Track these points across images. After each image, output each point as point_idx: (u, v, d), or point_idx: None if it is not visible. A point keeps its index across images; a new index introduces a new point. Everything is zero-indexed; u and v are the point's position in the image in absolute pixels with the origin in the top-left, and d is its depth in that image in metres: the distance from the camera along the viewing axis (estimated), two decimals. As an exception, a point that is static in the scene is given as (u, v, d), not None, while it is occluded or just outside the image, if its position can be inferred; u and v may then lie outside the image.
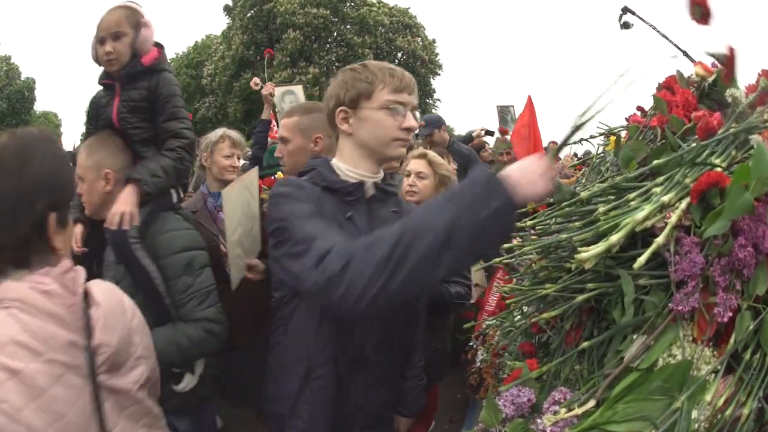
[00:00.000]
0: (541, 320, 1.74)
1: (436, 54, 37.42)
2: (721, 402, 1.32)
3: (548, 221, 1.77)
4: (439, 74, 37.82)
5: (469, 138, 7.93)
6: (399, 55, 35.72)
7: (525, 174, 1.56)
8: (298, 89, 6.95)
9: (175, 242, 2.58)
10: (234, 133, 4.40)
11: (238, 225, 2.98)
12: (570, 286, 1.63)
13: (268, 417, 2.30)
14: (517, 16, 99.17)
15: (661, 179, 1.57)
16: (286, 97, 6.53)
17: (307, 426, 2.12)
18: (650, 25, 2.01)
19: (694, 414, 1.31)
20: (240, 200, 3.02)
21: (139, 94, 2.73)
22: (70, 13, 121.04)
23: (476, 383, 2.96)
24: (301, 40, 32.84)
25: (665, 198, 1.47)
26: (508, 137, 7.18)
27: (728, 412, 1.31)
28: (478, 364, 2.81)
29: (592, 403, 1.41)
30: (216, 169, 4.17)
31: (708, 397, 1.31)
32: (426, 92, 37.14)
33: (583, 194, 1.69)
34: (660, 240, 1.41)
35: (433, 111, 36.50)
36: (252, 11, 34.50)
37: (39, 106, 43.49)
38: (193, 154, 2.98)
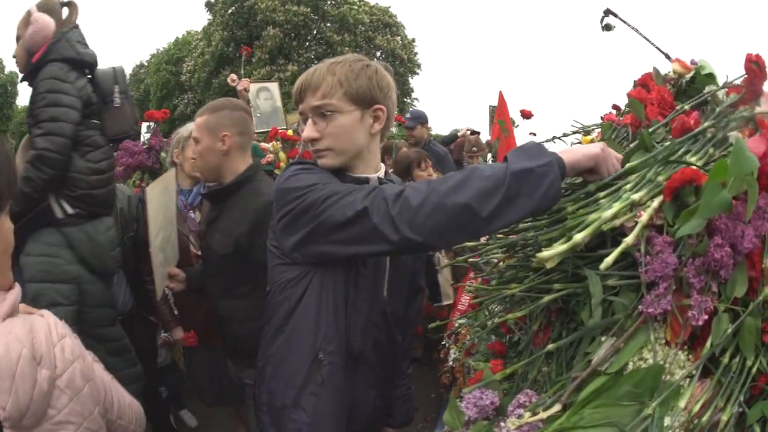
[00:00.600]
0: (510, 320, 1.68)
1: (415, 53, 37.36)
2: (697, 407, 1.25)
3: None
4: (418, 73, 37.73)
5: (452, 138, 7.89)
6: (378, 53, 35.64)
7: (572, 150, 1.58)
8: (274, 86, 6.79)
9: (27, 269, 2.47)
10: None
11: (160, 229, 2.87)
12: (536, 286, 1.55)
13: (263, 411, 2.14)
14: (496, 16, 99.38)
15: (633, 177, 1.50)
16: (261, 93, 6.41)
17: (312, 419, 1.99)
18: (632, 27, 1.97)
19: (667, 421, 1.23)
20: (161, 201, 2.90)
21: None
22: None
23: (449, 382, 2.91)
24: (281, 38, 32.58)
25: (635, 196, 1.40)
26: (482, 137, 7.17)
27: (705, 417, 1.24)
28: (450, 362, 2.77)
29: (557, 407, 1.34)
30: (188, 165, 3.96)
31: (682, 403, 1.24)
32: (404, 91, 37.04)
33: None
34: (629, 240, 1.34)
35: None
36: (233, 8, 34.24)
37: (21, 101, 42.92)
38: (44, 167, 2.79)
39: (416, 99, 38.34)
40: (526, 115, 6.95)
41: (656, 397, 1.25)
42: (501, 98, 6.31)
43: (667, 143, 1.57)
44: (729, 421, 1.25)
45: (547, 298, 1.50)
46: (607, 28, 1.93)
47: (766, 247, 1.35)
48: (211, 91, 33.35)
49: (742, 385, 1.28)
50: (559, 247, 1.36)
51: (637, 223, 1.36)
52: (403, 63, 36.13)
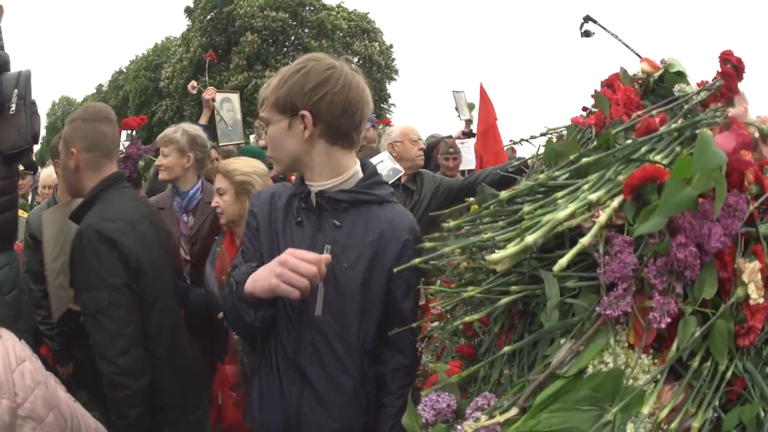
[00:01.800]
0: (475, 323, 1.64)
1: (393, 59, 37.36)
2: (664, 413, 1.18)
3: (474, 221, 1.63)
4: (395, 79, 37.75)
5: (433, 145, 7.79)
6: (356, 60, 35.61)
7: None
8: (235, 97, 6.59)
9: None
10: (192, 129, 4.13)
11: (61, 253, 2.72)
12: (494, 288, 1.47)
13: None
14: (474, 22, 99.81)
15: (592, 177, 1.42)
16: (224, 104, 6.21)
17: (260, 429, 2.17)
18: (612, 34, 1.95)
19: (630, 428, 1.15)
20: (59, 225, 2.75)
21: None
22: (36, 14, 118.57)
23: (422, 385, 2.87)
24: (259, 44, 32.42)
25: (593, 196, 1.33)
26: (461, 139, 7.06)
27: (674, 424, 1.16)
28: (422, 366, 2.72)
29: (514, 410, 1.26)
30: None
31: (645, 410, 1.16)
32: (381, 97, 37.02)
33: (504, 194, 1.55)
34: (585, 240, 1.27)
35: (389, 116, 36.45)
36: (212, 13, 34.04)
37: None
38: None
39: (393, 105, 38.36)
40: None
41: (617, 402, 1.17)
42: (483, 92, 6.11)
43: (629, 141, 1.50)
44: (702, 428, 1.18)
45: (503, 300, 1.42)
46: (587, 34, 1.92)
47: (739, 247, 1.29)
48: (189, 97, 33.10)
49: (716, 390, 1.22)
50: (510, 250, 1.30)
51: (595, 223, 1.29)
52: (381, 69, 36.12)
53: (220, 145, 5.28)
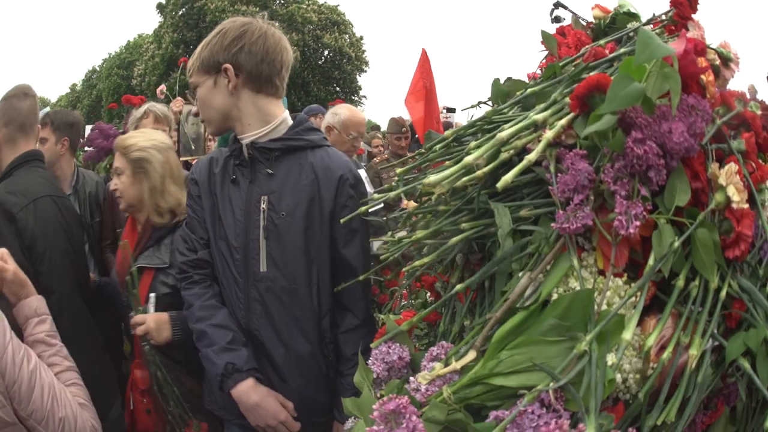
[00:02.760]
0: (437, 285, 1.53)
1: (363, 51, 37.13)
2: (652, 339, 1.01)
3: (419, 166, 1.52)
4: (366, 71, 37.49)
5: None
6: (326, 52, 35.38)
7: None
8: None
9: None
10: (158, 108, 3.94)
11: None
12: (442, 229, 1.32)
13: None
14: (443, 12, 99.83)
15: (539, 106, 1.28)
16: (190, 117, 5.81)
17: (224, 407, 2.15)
18: (581, 19, 1.88)
19: (611, 359, 0.98)
20: None
21: None
22: (7, 14, 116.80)
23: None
24: (230, 38, 32.15)
25: (538, 116, 1.20)
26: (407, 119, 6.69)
27: (666, 354, 1.00)
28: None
29: (472, 355, 1.09)
30: None
31: (627, 335, 0.98)
32: (352, 89, 36.75)
33: (449, 133, 1.42)
34: (532, 156, 1.13)
35: (360, 107, 36.26)
36: (183, 9, 33.63)
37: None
38: None
39: (364, 96, 38.09)
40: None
41: (590, 329, 0.98)
42: (424, 56, 5.84)
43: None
44: (702, 358, 1.02)
45: (454, 239, 1.27)
46: (557, 20, 1.82)
47: (710, 158, 1.15)
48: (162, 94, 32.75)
49: (710, 314, 1.06)
50: (448, 170, 1.16)
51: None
52: (351, 61, 35.91)
53: (181, 158, 5.00)
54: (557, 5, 1.83)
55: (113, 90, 38.01)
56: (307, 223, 2.00)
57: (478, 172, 1.18)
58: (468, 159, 1.17)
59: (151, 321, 2.34)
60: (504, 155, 1.21)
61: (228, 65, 1.96)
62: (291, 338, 2.02)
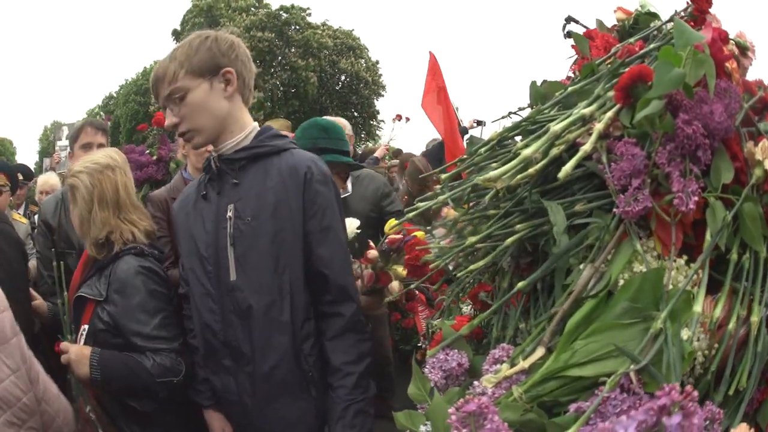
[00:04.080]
0: (482, 295, 1.50)
1: (380, 75, 37.21)
2: (719, 310, 1.02)
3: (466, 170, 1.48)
4: (383, 95, 37.47)
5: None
6: (343, 77, 35.50)
7: None
8: None
9: None
10: None
11: None
12: (494, 233, 1.31)
13: None
14: (458, 35, 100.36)
15: (582, 103, 1.30)
16: None
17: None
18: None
19: (686, 334, 0.96)
20: None
21: None
22: (27, 41, 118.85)
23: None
24: (247, 65, 32.27)
25: (586, 110, 1.22)
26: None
27: (731, 325, 1.00)
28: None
29: (540, 351, 1.07)
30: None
31: (698, 307, 0.98)
32: (370, 114, 36.79)
33: (494, 134, 1.42)
34: (587, 146, 1.15)
35: (378, 132, 36.28)
36: (199, 37, 34.01)
37: (-5, 133, 42.17)
38: None
39: (383, 121, 37.97)
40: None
41: (663, 307, 0.98)
42: (433, 59, 5.76)
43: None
44: (760, 325, 1.03)
45: (510, 239, 1.25)
46: (569, 35, 1.83)
47: (744, 139, 1.20)
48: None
49: (763, 286, 1.07)
50: (508, 165, 1.15)
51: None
52: (368, 85, 35.97)
53: None
54: (569, 20, 1.84)
55: (131, 116, 38.21)
56: (276, 227, 1.91)
57: (537, 165, 1.18)
58: (526, 152, 1.16)
59: (73, 352, 2.12)
60: (555, 151, 1.22)
61: (231, 70, 1.94)
62: (267, 351, 1.92)
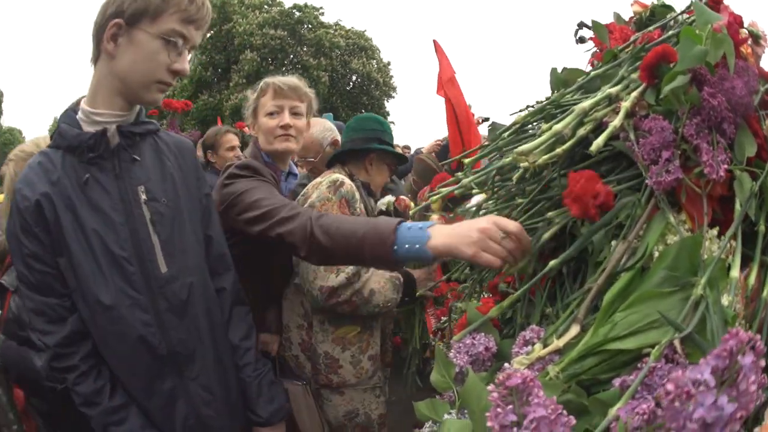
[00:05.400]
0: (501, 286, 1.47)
1: (391, 76, 37.13)
2: (753, 277, 1.02)
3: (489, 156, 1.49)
4: (394, 96, 37.30)
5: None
6: (354, 78, 35.46)
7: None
8: None
9: None
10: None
11: None
12: (525, 221, 1.31)
13: None
14: (470, 37, 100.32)
15: (606, 85, 1.33)
16: None
17: None
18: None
19: (726, 300, 0.95)
20: None
21: None
22: (37, 30, 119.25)
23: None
24: (258, 62, 32.10)
25: (612, 90, 1.25)
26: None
27: (765, 293, 0.99)
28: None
29: (575, 329, 1.05)
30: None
31: (735, 272, 0.98)
32: (381, 115, 36.70)
33: (517, 118, 1.43)
34: (616, 122, 1.16)
35: (389, 134, 36.18)
36: (211, 32, 33.89)
37: (5, 122, 42.16)
38: None
39: (392, 122, 37.93)
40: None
41: (701, 274, 0.97)
42: (439, 47, 5.59)
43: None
44: None
45: (547, 234, 1.25)
46: (581, 40, 1.85)
47: (761, 116, 1.22)
48: (189, 116, 32.98)
49: None
50: (540, 139, 1.16)
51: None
52: (379, 86, 35.92)
53: None
54: (581, 26, 1.85)
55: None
56: (189, 206, 1.76)
57: (565, 145, 1.20)
58: (557, 126, 1.17)
59: None
60: (581, 131, 1.23)
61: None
62: (213, 343, 1.77)
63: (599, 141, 1.13)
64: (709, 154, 1.07)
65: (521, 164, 1.22)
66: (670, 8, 1.69)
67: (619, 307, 1.02)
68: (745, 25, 1.46)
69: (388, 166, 2.71)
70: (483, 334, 1.25)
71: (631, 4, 1.84)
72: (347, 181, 2.38)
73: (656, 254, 1.06)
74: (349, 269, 2.20)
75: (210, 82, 32.66)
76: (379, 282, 2.32)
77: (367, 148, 2.56)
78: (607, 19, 1.77)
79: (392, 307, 2.38)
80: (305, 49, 33.76)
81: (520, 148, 1.17)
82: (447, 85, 5.19)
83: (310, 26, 34.42)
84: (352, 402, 2.41)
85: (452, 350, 1.25)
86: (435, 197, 1.51)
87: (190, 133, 4.79)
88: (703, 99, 1.11)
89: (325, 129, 3.30)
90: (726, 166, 1.06)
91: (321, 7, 34.87)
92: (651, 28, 1.53)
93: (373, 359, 2.43)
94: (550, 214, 1.28)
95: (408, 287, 2.47)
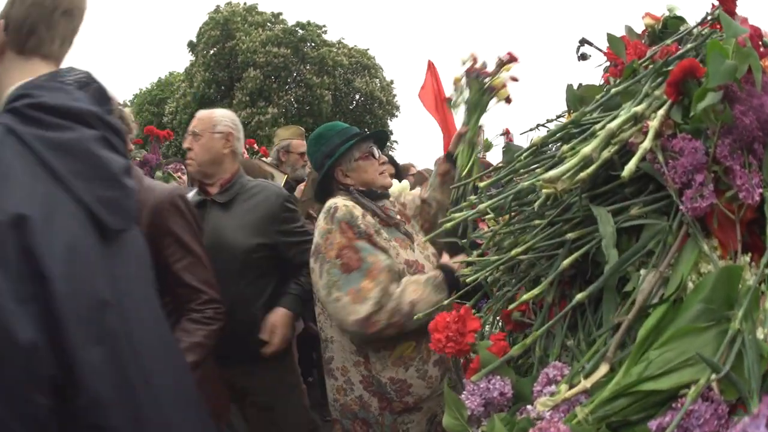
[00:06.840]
0: (521, 302, 1.39)
1: (394, 95, 37.12)
2: None
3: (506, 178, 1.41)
4: (397, 116, 37.34)
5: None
6: (357, 96, 35.52)
7: None
8: None
9: None
10: None
11: None
12: (538, 244, 1.23)
13: None
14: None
15: (627, 103, 1.26)
16: None
17: None
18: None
19: (761, 333, 0.89)
20: None
21: None
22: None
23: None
24: (261, 80, 32.13)
25: (638, 108, 1.17)
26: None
27: None
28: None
29: (605, 368, 0.99)
30: None
31: None
32: (384, 133, 36.68)
33: (536, 139, 1.36)
34: (646, 144, 1.09)
35: (391, 153, 36.30)
36: (215, 48, 34.01)
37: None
38: None
39: (396, 141, 37.96)
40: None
41: (737, 307, 0.91)
42: (433, 67, 5.46)
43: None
44: None
45: (566, 261, 1.16)
46: (583, 57, 1.84)
47: None
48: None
49: None
50: (568, 164, 1.08)
51: (645, 139, 1.12)
52: (382, 105, 35.90)
53: None
54: (583, 42, 1.83)
55: (144, 126, 38.36)
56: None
57: (589, 169, 1.13)
58: (585, 150, 1.11)
59: None
60: (606, 153, 1.16)
61: None
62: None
63: (631, 165, 1.07)
64: (744, 178, 1.02)
65: (546, 191, 1.15)
66: (682, 20, 1.66)
67: (653, 343, 0.96)
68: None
69: (363, 156, 2.53)
70: (499, 377, 1.17)
71: (643, 17, 1.81)
72: (340, 203, 2.32)
73: (690, 285, 1.01)
74: (373, 292, 2.12)
75: (213, 100, 32.59)
76: (416, 291, 2.22)
77: (326, 170, 2.48)
78: (612, 32, 1.72)
79: (445, 307, 2.28)
80: (308, 67, 33.82)
81: (547, 175, 1.10)
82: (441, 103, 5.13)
83: (313, 44, 34.46)
84: (430, 410, 2.37)
85: (465, 392, 1.17)
86: (449, 223, 1.45)
87: (174, 164, 4.80)
88: (736, 117, 1.06)
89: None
90: (760, 190, 1.01)
91: (324, 25, 34.97)
92: (668, 41, 1.48)
93: (438, 363, 2.37)
94: (569, 235, 1.21)
95: (451, 279, 2.33)
